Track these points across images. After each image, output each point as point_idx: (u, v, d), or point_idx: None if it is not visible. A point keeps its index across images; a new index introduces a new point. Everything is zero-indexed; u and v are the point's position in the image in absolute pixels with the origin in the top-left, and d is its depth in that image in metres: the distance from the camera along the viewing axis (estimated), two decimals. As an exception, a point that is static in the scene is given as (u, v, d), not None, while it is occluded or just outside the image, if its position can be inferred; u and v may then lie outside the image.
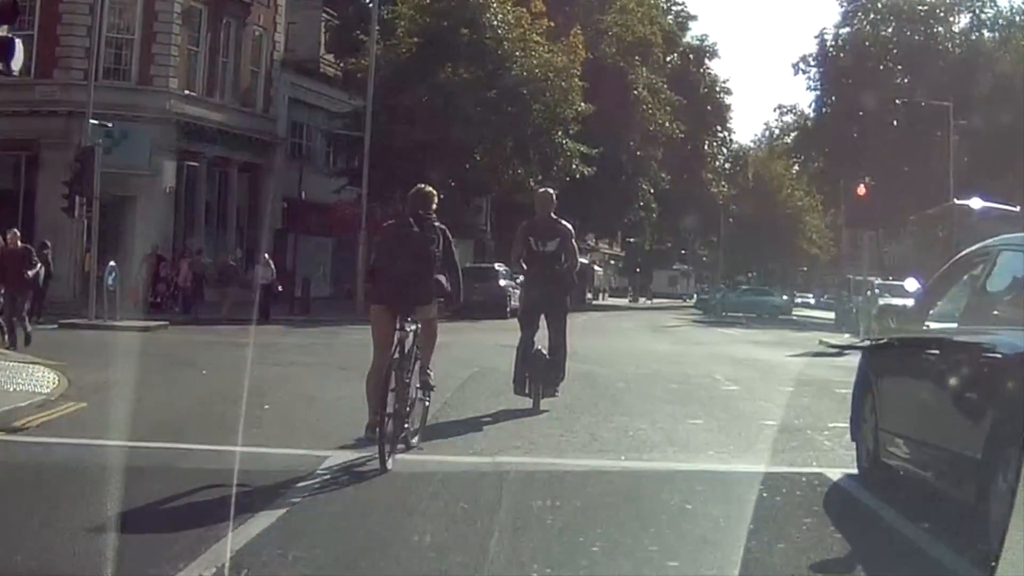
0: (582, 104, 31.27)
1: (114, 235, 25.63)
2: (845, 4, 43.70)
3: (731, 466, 6.04)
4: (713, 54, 51.75)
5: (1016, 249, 4.59)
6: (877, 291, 22.42)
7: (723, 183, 53.38)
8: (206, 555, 3.88)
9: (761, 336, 24.52)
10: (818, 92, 45.06)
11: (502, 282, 27.94)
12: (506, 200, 33.09)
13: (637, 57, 39.83)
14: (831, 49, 43.97)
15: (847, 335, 22.72)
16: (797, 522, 4.71)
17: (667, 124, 41.13)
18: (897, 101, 40.19)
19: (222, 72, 29.23)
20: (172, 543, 4.10)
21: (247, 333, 17.78)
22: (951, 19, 43.06)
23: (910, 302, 23.43)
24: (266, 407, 8.03)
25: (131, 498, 4.74)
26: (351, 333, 17.78)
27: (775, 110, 69.66)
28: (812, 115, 46.56)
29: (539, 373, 8.30)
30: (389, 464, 5.61)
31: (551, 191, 8.92)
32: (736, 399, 9.61)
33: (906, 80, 41.46)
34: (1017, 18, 42.24)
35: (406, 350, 6.02)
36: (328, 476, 5.43)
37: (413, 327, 6.14)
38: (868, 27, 43.08)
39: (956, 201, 28.49)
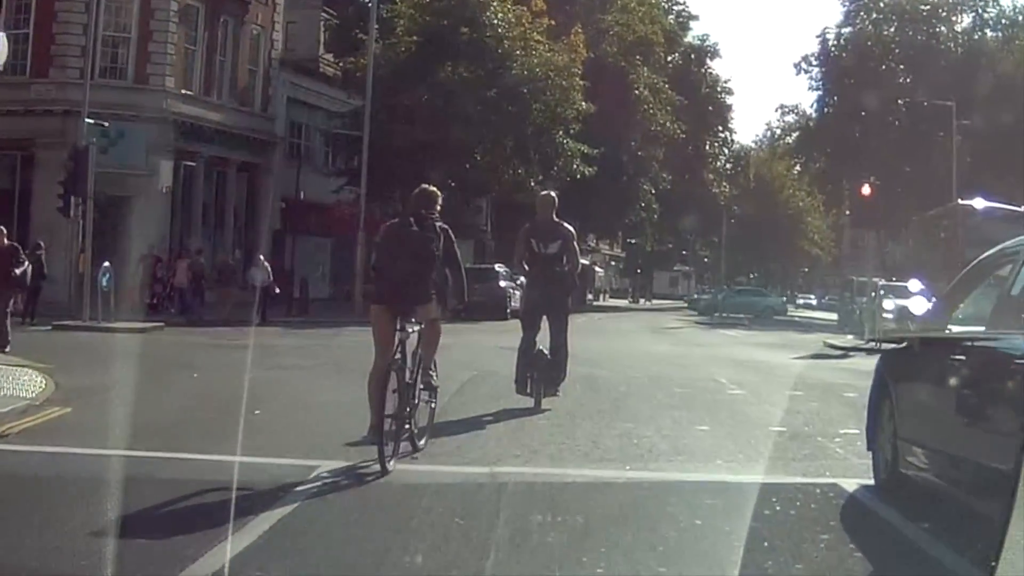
0: (583, 103, 31.04)
1: (110, 235, 25.40)
2: (847, 3, 43.57)
3: (741, 476, 5.75)
4: (714, 54, 51.61)
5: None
6: (882, 292, 22.12)
7: (724, 184, 53.14)
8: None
9: (764, 338, 24.26)
10: (820, 92, 44.94)
11: (502, 283, 27.71)
12: (506, 200, 32.89)
13: (638, 56, 39.62)
14: (833, 49, 43.79)
15: (850, 336, 22.47)
16: (814, 539, 4.44)
17: (668, 124, 40.92)
18: (900, 101, 40.01)
19: (219, 71, 28.99)
20: (146, 562, 3.84)
21: (243, 335, 17.55)
22: (953, 19, 42.92)
23: (914, 303, 23.05)
24: (257, 412, 7.76)
25: (104, 511, 4.48)
26: (349, 335, 17.53)
27: (777, 110, 69.55)
28: (814, 115, 46.40)
29: (540, 373, 8.38)
30: (391, 466, 5.52)
31: (553, 193, 9.00)
32: (742, 403, 9.33)
33: (908, 80, 41.31)
34: (1020, 18, 42.05)
35: (407, 351, 5.95)
36: (315, 490, 5.13)
37: (415, 328, 6.07)
38: (870, 26, 42.91)
39: (960, 201, 28.22)
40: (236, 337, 17.05)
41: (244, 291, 22.44)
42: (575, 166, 31.41)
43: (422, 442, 6.23)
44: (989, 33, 42.78)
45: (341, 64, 31.48)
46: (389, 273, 6.06)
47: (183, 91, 27.41)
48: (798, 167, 55.73)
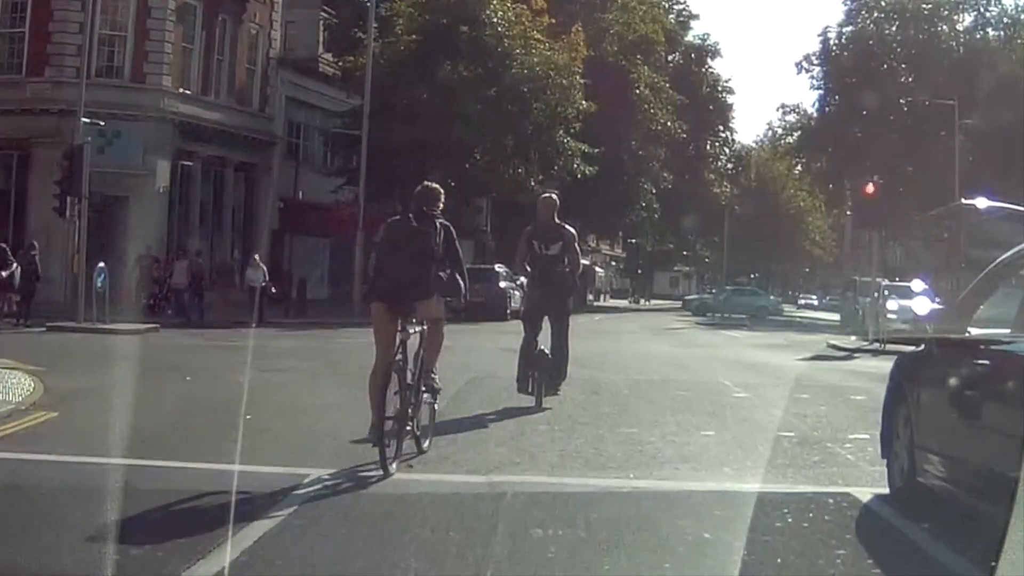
0: (583, 102, 30.83)
1: (106, 236, 25.21)
2: (848, 2, 43.43)
3: (751, 485, 5.50)
4: (715, 53, 51.38)
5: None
6: (887, 292, 21.91)
7: (725, 183, 52.94)
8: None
9: (766, 338, 24.03)
10: (821, 91, 44.73)
11: (502, 283, 27.49)
12: (506, 200, 32.68)
13: (639, 56, 39.44)
14: (834, 48, 43.60)
15: (853, 337, 22.25)
16: (830, 555, 4.20)
17: (669, 124, 40.73)
18: (901, 101, 39.79)
19: (217, 70, 28.77)
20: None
21: (239, 336, 17.35)
22: (955, 18, 42.75)
23: (917, 303, 22.80)
24: (248, 417, 7.51)
25: (81, 523, 4.25)
26: (347, 336, 17.31)
27: (778, 109, 69.12)
28: (815, 114, 46.20)
29: (541, 373, 8.49)
30: (392, 468, 5.44)
31: (554, 196, 9.13)
32: (748, 407, 9.09)
33: (910, 79, 41.15)
34: (1022, 16, 41.85)
35: (409, 352, 5.86)
36: (302, 502, 4.86)
37: (417, 329, 5.96)
38: (872, 25, 42.73)
39: (964, 201, 28.02)
40: (232, 338, 16.84)
41: (243, 292, 22.23)
42: (575, 165, 31.20)
43: (426, 443, 6.16)
44: (991, 32, 42.64)
45: (340, 63, 31.28)
46: (389, 270, 6.00)
47: (180, 90, 27.19)
48: (799, 167, 55.52)
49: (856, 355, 18.01)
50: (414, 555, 3.98)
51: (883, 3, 42.72)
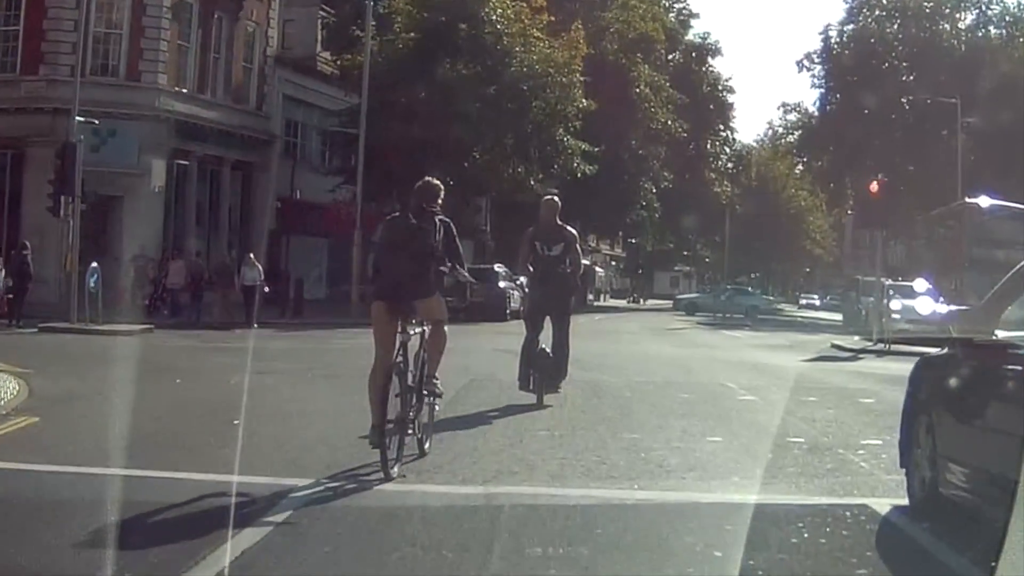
0: (583, 100, 30.56)
1: (101, 236, 24.98)
2: (850, 0, 43.12)
3: (762, 497, 5.21)
4: (716, 52, 51.08)
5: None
6: (892, 292, 21.63)
7: (726, 183, 52.65)
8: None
9: (768, 339, 23.76)
10: (822, 90, 44.50)
11: (501, 284, 27.22)
12: (506, 200, 32.42)
13: (639, 54, 39.17)
14: (836, 46, 43.37)
15: (856, 337, 21.98)
16: (850, 574, 3.92)
17: (669, 123, 40.46)
18: (903, 100, 39.53)
19: (213, 68, 28.49)
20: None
21: (234, 337, 17.11)
22: (957, 16, 42.50)
23: (920, 303, 22.41)
24: (236, 423, 7.23)
25: (49, 537, 3.97)
26: (343, 338, 17.05)
27: (779, 108, 68.87)
28: (816, 113, 45.95)
29: (543, 371, 8.67)
30: (394, 472, 5.36)
31: (556, 198, 9.31)
32: (754, 411, 8.80)
33: (911, 77, 40.93)
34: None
35: (409, 353, 5.75)
36: (287, 516, 4.55)
37: (418, 330, 5.82)
38: (873, 24, 42.49)
39: (967, 200, 27.76)
40: (227, 340, 16.60)
41: (239, 292, 21.96)
42: (575, 164, 30.94)
43: (427, 444, 6.09)
44: (993, 30, 42.41)
45: (338, 62, 31.02)
46: (389, 269, 5.88)
47: (176, 88, 26.93)
48: (800, 166, 55.27)
49: (861, 356, 17.74)
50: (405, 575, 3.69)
51: (884, 1, 42.50)
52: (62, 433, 6.85)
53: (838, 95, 43.19)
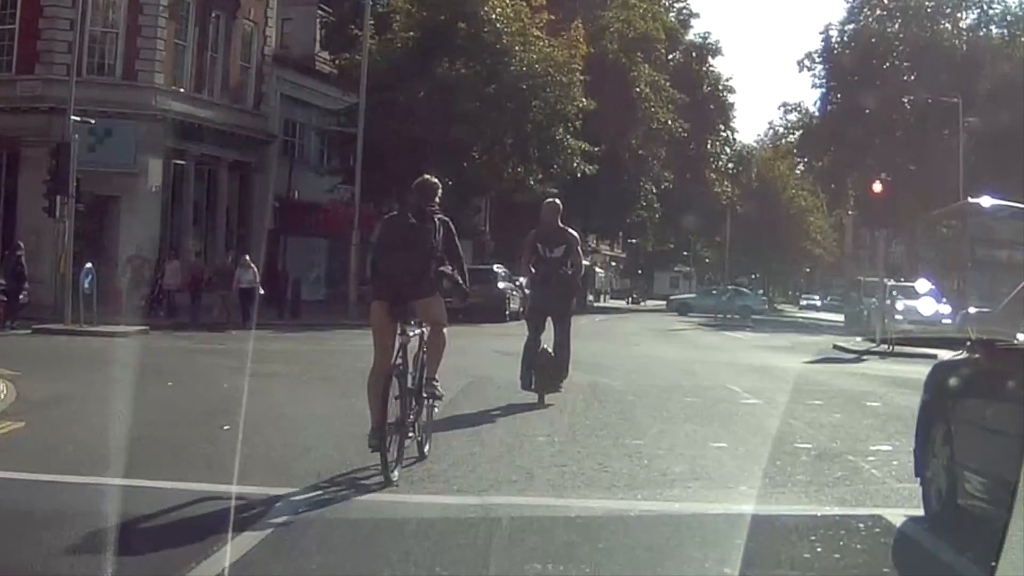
0: (583, 99, 30.35)
1: (98, 236, 24.79)
2: (850, 0, 42.88)
3: (771, 507, 5.00)
4: (716, 52, 50.86)
5: None
6: (895, 293, 21.42)
7: (726, 183, 52.44)
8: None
9: (770, 340, 23.54)
10: (823, 89, 44.29)
11: (500, 284, 27.02)
12: (506, 200, 32.21)
13: (639, 53, 38.95)
14: (836, 46, 43.20)
15: (859, 338, 21.77)
16: (868, 593, 3.71)
17: (669, 122, 40.25)
18: (904, 100, 39.33)
19: (211, 68, 28.29)
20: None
21: (230, 339, 16.90)
22: (958, 15, 42.30)
23: (923, 303, 22.13)
24: (226, 428, 7.03)
25: (23, 550, 3.75)
26: (340, 339, 16.85)
27: (779, 108, 68.68)
28: (817, 113, 45.75)
29: (544, 371, 8.81)
30: (394, 476, 5.26)
31: (557, 201, 9.55)
32: (760, 415, 8.57)
33: (912, 77, 40.76)
34: (1025, 14, 41.42)
35: (409, 355, 5.66)
36: (272, 529, 4.30)
37: (417, 331, 5.69)
38: (874, 23, 42.31)
39: (970, 200, 27.58)
40: (222, 341, 16.40)
41: (235, 294, 21.77)
42: (575, 164, 30.73)
43: (427, 447, 6.03)
44: (994, 30, 42.23)
45: (336, 61, 30.82)
46: (387, 268, 5.77)
47: (173, 88, 26.73)
48: (801, 166, 55.06)
49: (864, 357, 17.52)
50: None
51: (885, 1, 42.30)
52: (46, 439, 6.63)
53: (839, 95, 43.02)
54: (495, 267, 28.70)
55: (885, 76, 40.45)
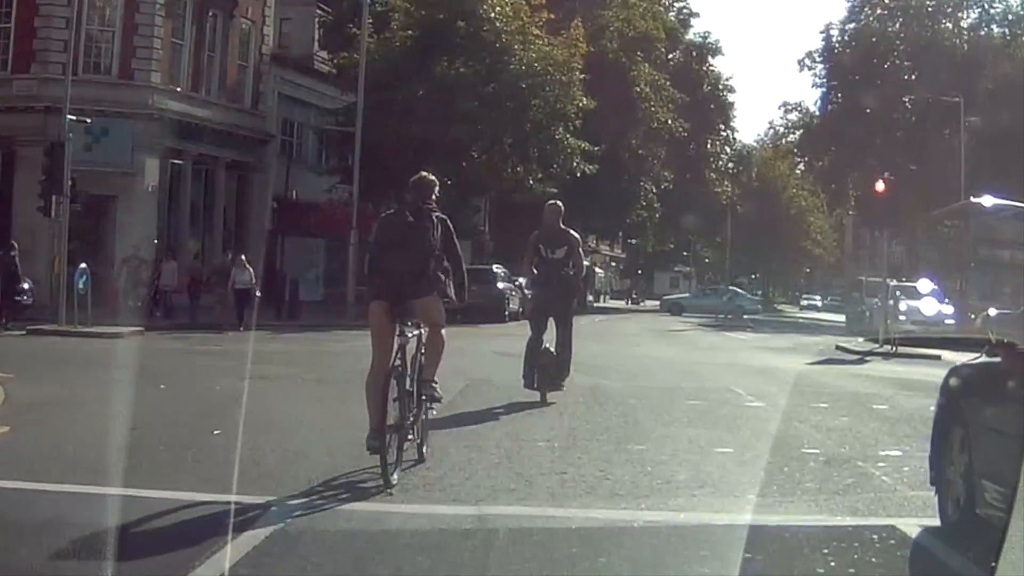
0: (583, 99, 30.17)
1: (94, 236, 24.60)
2: (851, -1, 42.73)
3: (780, 517, 4.79)
4: (716, 51, 50.71)
5: None
6: (899, 294, 21.22)
7: (727, 183, 52.28)
8: None
9: (772, 341, 23.35)
10: (823, 89, 44.11)
11: (500, 284, 26.82)
12: (505, 199, 32.03)
13: (639, 53, 38.78)
14: (837, 45, 43.04)
15: (860, 339, 21.58)
16: (886, 611, 3.51)
17: (670, 122, 40.08)
18: (905, 99, 39.16)
19: (208, 66, 28.10)
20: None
21: (226, 340, 16.71)
22: (959, 15, 42.13)
23: (925, 304, 21.88)
24: (216, 433, 6.84)
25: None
26: (338, 340, 16.66)
27: (780, 108, 68.57)
28: (817, 112, 45.57)
29: (546, 370, 9.01)
30: (394, 479, 5.18)
31: (559, 203, 9.67)
32: (765, 419, 8.36)
33: (913, 77, 40.60)
34: (1026, 13, 41.24)
35: (408, 357, 5.57)
36: (256, 542, 4.07)
37: (415, 332, 5.57)
38: (875, 22, 42.18)
39: (972, 199, 27.42)
40: (218, 343, 16.21)
41: (231, 293, 21.58)
42: (575, 164, 30.55)
43: (426, 449, 5.96)
44: (995, 29, 42.07)
45: (335, 60, 30.64)
46: (385, 266, 5.69)
47: (170, 87, 26.53)
48: (801, 166, 54.90)
49: (867, 358, 17.32)
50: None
51: (886, 0, 42.14)
52: (30, 445, 6.43)
53: (839, 94, 42.87)
54: (494, 267, 28.51)
55: (886, 75, 40.29)
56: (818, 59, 43.52)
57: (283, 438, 6.71)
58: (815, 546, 4.20)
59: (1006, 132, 30.89)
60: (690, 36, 49.84)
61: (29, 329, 17.31)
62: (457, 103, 26.70)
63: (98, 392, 9.25)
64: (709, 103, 48.22)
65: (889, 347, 18.19)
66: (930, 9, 41.33)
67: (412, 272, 5.59)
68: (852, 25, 42.69)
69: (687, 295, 49.58)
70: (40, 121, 23.66)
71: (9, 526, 4.32)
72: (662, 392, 10.40)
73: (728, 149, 54.82)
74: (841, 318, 35.10)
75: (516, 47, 28.60)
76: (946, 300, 24.54)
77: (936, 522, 4.67)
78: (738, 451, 6.69)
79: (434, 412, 6.09)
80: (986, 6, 41.99)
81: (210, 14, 28.00)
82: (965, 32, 41.50)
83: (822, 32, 43.80)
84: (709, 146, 49.95)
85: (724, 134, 52.30)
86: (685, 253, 65.79)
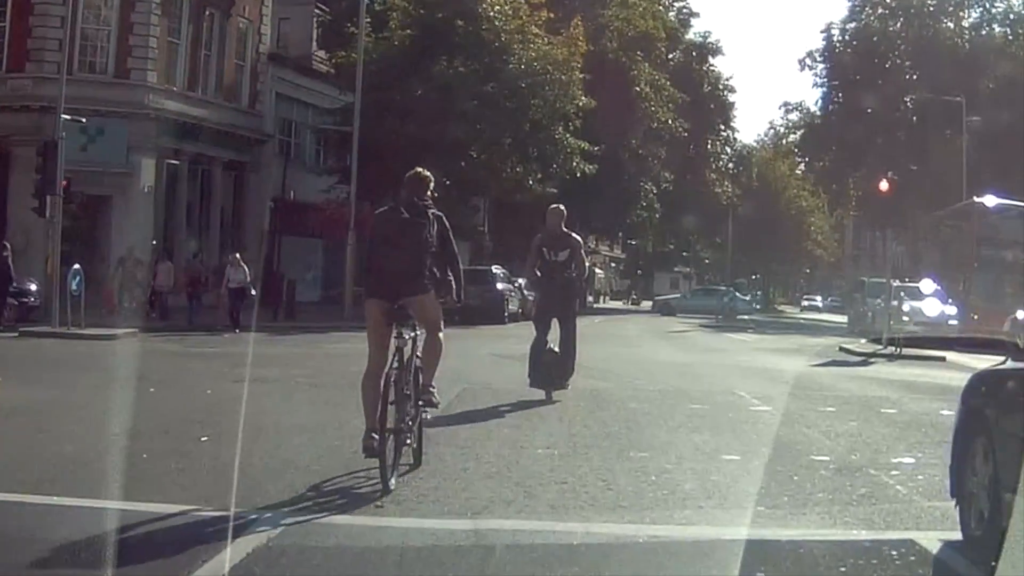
0: (583, 98, 29.97)
1: (90, 237, 24.39)
2: (852, -2, 42.54)
3: (792, 531, 4.54)
4: (716, 51, 50.53)
5: None
6: (902, 294, 20.97)
7: (727, 183, 52.08)
8: None
9: (774, 342, 23.10)
10: (824, 89, 43.94)
11: (499, 285, 26.58)
12: (505, 200, 31.81)
13: (639, 52, 38.60)
14: (838, 45, 42.87)
15: (863, 340, 21.34)
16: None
17: (670, 122, 39.89)
18: (906, 99, 38.96)
19: (205, 66, 27.90)
20: None
21: (221, 342, 16.47)
22: (960, 14, 41.94)
23: (928, 304, 21.61)
24: (203, 439, 6.60)
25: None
26: (335, 342, 16.42)
27: (780, 107, 68.33)
28: (818, 112, 45.37)
29: (551, 369, 9.28)
30: (392, 484, 5.06)
31: (561, 206, 9.81)
32: (771, 424, 8.11)
33: (914, 76, 40.42)
34: (1028, 12, 41.06)
35: (405, 359, 5.43)
36: (239, 559, 3.80)
37: (413, 334, 5.54)
38: (876, 22, 42.00)
39: (975, 199, 27.21)
40: (213, 344, 15.97)
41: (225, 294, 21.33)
42: (575, 163, 30.35)
43: (423, 455, 5.84)
44: (996, 28, 41.90)
45: (333, 60, 30.44)
46: (380, 264, 5.61)
47: (166, 86, 26.33)
48: (802, 166, 54.70)
49: (871, 360, 17.07)
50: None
51: (887, -1, 42.02)
52: (8, 452, 6.18)
53: (840, 94, 42.69)
54: (494, 268, 28.27)
55: (887, 75, 40.12)
56: (819, 59, 43.36)
57: (273, 444, 6.47)
58: (832, 562, 3.97)
59: (1008, 132, 30.71)
60: (690, 36, 49.71)
61: (22, 331, 17.09)
62: (456, 103, 26.50)
63: (85, 396, 9.02)
64: (709, 103, 48.05)
65: (893, 348, 17.95)
66: (931, 8, 41.16)
67: (408, 269, 5.49)
68: (853, 24, 42.50)
69: (677, 296, 49.40)
70: (35, 121, 23.47)
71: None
72: (664, 395, 10.16)
73: (728, 149, 54.68)
74: (842, 319, 34.88)
75: (515, 46, 28.41)
76: (949, 301, 24.31)
77: (957, 535, 4.43)
78: (745, 458, 6.44)
79: (427, 416, 5.95)
80: (987, 5, 41.87)
81: (207, 13, 27.80)
82: (966, 31, 41.33)
83: (823, 32, 43.65)
84: (709, 146, 49.77)
85: (724, 134, 52.14)
86: (685, 253, 65.58)
